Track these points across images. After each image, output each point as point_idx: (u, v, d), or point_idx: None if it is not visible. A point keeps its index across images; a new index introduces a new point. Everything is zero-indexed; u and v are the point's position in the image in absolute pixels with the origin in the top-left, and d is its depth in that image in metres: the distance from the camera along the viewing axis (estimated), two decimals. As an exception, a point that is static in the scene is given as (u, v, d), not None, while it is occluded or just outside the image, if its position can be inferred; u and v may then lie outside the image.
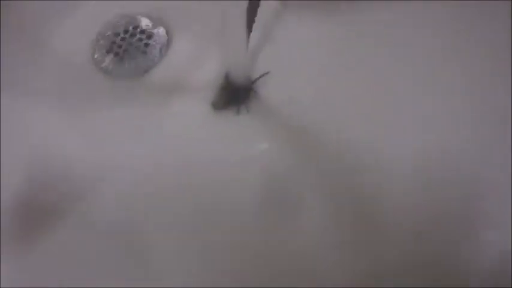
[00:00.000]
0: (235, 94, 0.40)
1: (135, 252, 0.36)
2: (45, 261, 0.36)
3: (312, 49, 0.44)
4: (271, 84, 0.42)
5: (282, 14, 0.46)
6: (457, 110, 0.38)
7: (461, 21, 0.42)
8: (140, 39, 0.47)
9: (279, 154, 0.39)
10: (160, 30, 0.47)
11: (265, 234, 0.36)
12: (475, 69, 0.39)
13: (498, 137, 0.36)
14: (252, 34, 0.37)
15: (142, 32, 0.47)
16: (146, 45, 0.46)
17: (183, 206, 0.38)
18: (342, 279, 0.33)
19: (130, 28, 0.47)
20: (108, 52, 0.46)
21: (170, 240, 0.36)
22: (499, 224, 0.33)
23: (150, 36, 0.47)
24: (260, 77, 0.41)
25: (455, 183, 0.35)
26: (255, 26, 0.37)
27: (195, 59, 0.45)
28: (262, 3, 0.37)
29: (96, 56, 0.46)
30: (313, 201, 0.37)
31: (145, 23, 0.48)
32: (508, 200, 0.33)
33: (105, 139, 0.41)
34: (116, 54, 0.46)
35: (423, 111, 0.38)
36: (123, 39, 0.47)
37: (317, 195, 0.37)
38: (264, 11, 0.37)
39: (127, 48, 0.46)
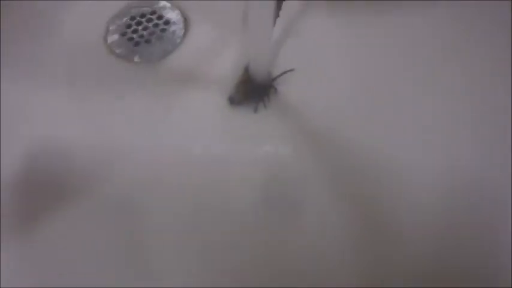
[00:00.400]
0: (254, 90, 0.38)
1: (136, 243, 0.35)
2: (45, 250, 0.35)
3: (335, 49, 0.42)
4: (291, 82, 0.40)
5: (306, 12, 0.44)
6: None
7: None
8: (156, 25, 0.45)
9: (291, 155, 0.37)
10: (179, 17, 0.45)
11: (270, 234, 0.35)
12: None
13: (499, 138, 0.36)
14: (275, 29, 0.36)
15: (160, 17, 0.45)
16: (163, 30, 0.44)
17: (185, 200, 0.36)
18: (345, 281, 0.33)
19: (148, 13, 0.45)
20: (122, 36, 0.44)
21: (170, 233, 0.35)
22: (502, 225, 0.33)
23: (167, 22, 0.45)
24: (282, 73, 0.39)
25: (462, 188, 0.34)
26: (279, 21, 0.36)
27: (213, 48, 0.43)
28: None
29: (109, 40, 0.44)
30: (321, 203, 0.35)
31: (163, 8, 0.46)
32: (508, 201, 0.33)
33: (113, 125, 0.40)
34: (130, 39, 0.44)
35: (444, 115, 0.38)
36: (138, 23, 0.45)
37: (326, 197, 0.36)
38: (289, 8, 0.35)
39: (142, 34, 0.44)
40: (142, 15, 0.45)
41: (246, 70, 0.39)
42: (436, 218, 0.34)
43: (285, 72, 0.39)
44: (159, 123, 0.40)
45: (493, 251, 0.33)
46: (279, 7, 0.35)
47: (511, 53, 0.38)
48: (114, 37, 0.44)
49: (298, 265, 0.34)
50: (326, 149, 0.38)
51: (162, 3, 0.46)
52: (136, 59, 0.43)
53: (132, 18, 0.45)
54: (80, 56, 0.44)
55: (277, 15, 0.35)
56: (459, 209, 0.34)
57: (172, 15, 0.45)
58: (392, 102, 0.39)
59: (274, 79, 0.39)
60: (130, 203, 0.36)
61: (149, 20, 0.45)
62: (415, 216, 0.34)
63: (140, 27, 0.45)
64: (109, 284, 0.32)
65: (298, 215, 0.35)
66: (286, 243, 0.35)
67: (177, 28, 0.44)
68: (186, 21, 0.45)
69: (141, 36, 0.44)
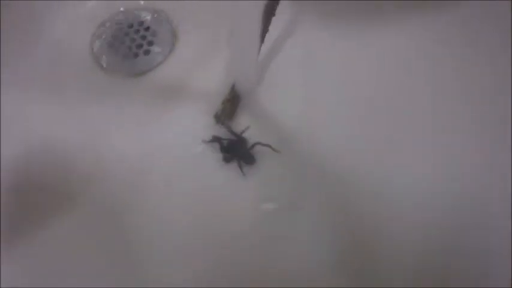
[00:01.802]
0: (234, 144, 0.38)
1: (130, 252, 0.35)
2: (43, 253, 0.35)
3: (322, 65, 0.42)
4: (277, 99, 0.40)
5: (292, 29, 0.44)
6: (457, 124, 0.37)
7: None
8: (144, 37, 0.44)
9: (280, 170, 0.37)
10: (166, 29, 0.45)
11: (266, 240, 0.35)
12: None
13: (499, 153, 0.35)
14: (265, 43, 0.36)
15: (147, 29, 0.45)
16: (150, 43, 0.44)
17: (173, 213, 0.36)
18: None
19: (135, 24, 0.45)
20: (108, 47, 0.44)
21: (165, 237, 0.36)
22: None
23: (154, 34, 0.44)
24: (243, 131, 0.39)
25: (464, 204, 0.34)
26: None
27: (201, 63, 0.43)
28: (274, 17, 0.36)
29: (95, 51, 0.44)
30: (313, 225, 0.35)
31: (150, 20, 0.45)
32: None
33: (97, 135, 0.40)
34: (117, 50, 0.44)
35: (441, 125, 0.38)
36: (126, 34, 0.44)
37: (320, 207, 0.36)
38: (275, 24, 0.35)
39: (129, 45, 0.44)
40: (130, 26, 0.45)
41: (233, 88, 0.39)
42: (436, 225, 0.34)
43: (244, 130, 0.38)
44: (143, 134, 0.40)
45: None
46: (268, 22, 0.35)
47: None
48: (100, 47, 0.44)
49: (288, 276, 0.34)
50: (315, 170, 0.38)
51: (149, 14, 0.46)
52: (122, 70, 0.43)
53: (120, 29, 0.45)
54: (66, 66, 0.44)
55: (266, 31, 0.34)
56: (459, 226, 0.34)
57: (160, 27, 0.45)
58: (387, 114, 0.39)
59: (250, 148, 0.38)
60: (118, 211, 0.36)
61: (136, 32, 0.45)
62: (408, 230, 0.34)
63: (127, 39, 0.44)
64: (106, 285, 0.33)
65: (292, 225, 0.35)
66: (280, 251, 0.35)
67: (165, 41, 0.44)
68: (174, 33, 0.44)
69: (129, 48, 0.44)
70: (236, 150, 0.37)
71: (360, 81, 0.41)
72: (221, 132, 0.38)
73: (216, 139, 0.38)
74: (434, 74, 0.40)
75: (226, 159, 0.37)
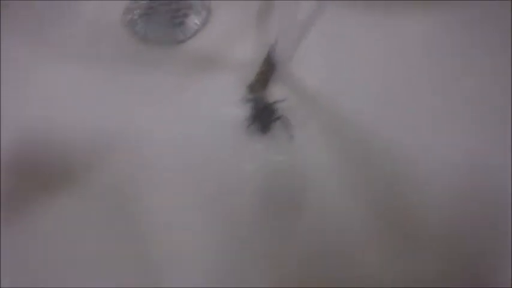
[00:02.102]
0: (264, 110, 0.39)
1: (138, 228, 0.35)
2: (46, 233, 0.35)
3: (355, 46, 0.43)
4: (311, 67, 0.41)
5: (322, 11, 0.45)
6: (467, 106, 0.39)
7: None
8: (178, 9, 0.45)
9: (305, 140, 0.39)
10: (200, 2, 0.45)
11: (277, 223, 0.36)
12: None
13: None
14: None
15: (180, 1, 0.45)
16: (185, 15, 0.45)
17: (189, 186, 0.37)
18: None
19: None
20: (142, 17, 0.45)
21: (172, 220, 0.36)
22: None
23: (189, 5, 0.45)
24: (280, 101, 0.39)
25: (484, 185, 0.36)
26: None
27: (235, 35, 0.44)
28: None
29: (129, 20, 0.45)
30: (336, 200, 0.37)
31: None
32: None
33: (126, 105, 0.41)
34: (150, 20, 0.44)
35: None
36: (161, 4, 0.45)
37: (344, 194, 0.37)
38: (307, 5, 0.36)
39: (164, 15, 0.45)
40: (165, -2, 0.46)
41: (266, 60, 0.40)
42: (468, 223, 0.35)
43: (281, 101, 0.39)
44: (174, 105, 0.40)
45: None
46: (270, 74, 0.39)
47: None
48: (134, 18, 0.45)
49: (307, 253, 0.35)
50: (340, 133, 0.39)
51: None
52: (156, 39, 0.43)
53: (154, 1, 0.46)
54: (99, 35, 0.45)
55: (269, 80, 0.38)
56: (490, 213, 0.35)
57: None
58: (407, 93, 0.40)
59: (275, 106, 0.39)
60: (130, 185, 0.37)
61: (170, 4, 0.45)
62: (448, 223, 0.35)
63: (162, 9, 0.45)
64: (107, 275, 0.33)
65: (307, 201, 0.37)
66: (294, 230, 0.36)
67: (199, 12, 0.45)
68: (207, 6, 0.45)
69: (162, 17, 0.45)
70: (261, 117, 0.38)
71: (385, 61, 0.42)
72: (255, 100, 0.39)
73: (251, 100, 0.39)
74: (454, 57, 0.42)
75: (249, 121, 0.38)
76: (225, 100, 0.40)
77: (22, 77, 0.42)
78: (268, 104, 0.39)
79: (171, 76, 0.42)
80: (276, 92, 0.40)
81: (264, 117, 0.38)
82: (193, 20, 0.44)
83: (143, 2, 0.45)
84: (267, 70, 0.40)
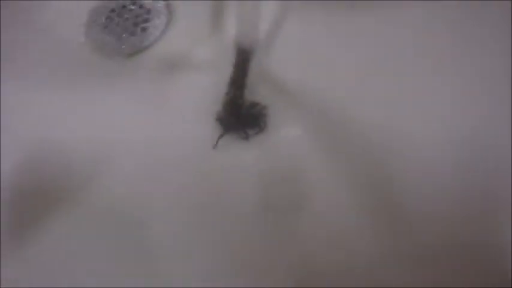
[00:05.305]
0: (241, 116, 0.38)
1: (136, 243, 0.34)
2: (43, 251, 0.35)
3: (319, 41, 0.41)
4: (288, 64, 0.40)
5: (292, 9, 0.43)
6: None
7: (462, 21, 0.41)
8: (138, 15, 0.43)
9: (295, 136, 0.38)
10: (160, 5, 0.44)
11: (276, 224, 0.35)
12: (474, 69, 0.39)
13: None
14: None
15: (141, 6, 0.44)
16: (145, 20, 0.43)
17: (180, 196, 0.36)
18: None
19: (128, 3, 0.44)
20: (103, 29, 0.43)
21: (170, 229, 0.35)
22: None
23: (148, 11, 0.43)
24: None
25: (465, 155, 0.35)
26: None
27: (200, 35, 0.42)
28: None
29: (90, 33, 0.43)
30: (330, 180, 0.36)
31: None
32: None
33: (98, 119, 0.40)
34: (111, 31, 0.43)
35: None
36: (119, 15, 0.44)
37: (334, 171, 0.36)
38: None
39: (123, 25, 0.43)
40: (123, 6, 0.44)
41: (237, 57, 0.38)
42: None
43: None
44: (146, 114, 0.39)
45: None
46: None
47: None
48: (95, 30, 0.43)
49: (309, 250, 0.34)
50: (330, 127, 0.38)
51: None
52: (117, 50, 0.42)
53: (112, 10, 0.44)
54: (62, 51, 0.43)
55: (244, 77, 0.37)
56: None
57: (154, 4, 0.44)
58: (395, 79, 0.39)
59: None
60: (128, 199, 0.36)
61: (130, 11, 0.44)
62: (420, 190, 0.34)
63: (121, 19, 0.44)
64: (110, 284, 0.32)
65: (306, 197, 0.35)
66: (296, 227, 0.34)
67: (160, 18, 0.43)
68: (169, 9, 0.44)
69: (122, 27, 0.43)
70: (242, 119, 0.37)
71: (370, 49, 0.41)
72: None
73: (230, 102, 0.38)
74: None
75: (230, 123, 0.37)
76: (199, 102, 0.38)
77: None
78: (247, 104, 0.37)
79: (140, 83, 0.40)
80: (254, 91, 0.38)
81: (244, 118, 0.37)
82: (155, 24, 0.42)
83: (103, 12, 0.44)
84: (240, 65, 0.38)
